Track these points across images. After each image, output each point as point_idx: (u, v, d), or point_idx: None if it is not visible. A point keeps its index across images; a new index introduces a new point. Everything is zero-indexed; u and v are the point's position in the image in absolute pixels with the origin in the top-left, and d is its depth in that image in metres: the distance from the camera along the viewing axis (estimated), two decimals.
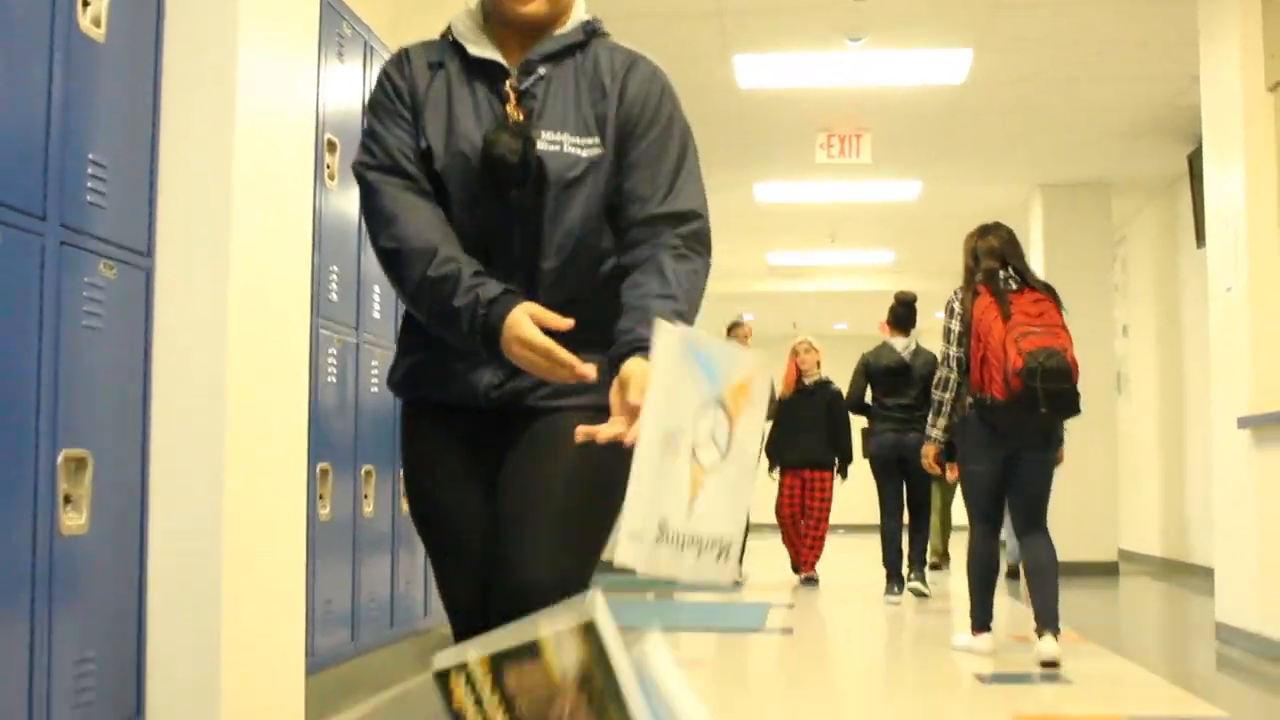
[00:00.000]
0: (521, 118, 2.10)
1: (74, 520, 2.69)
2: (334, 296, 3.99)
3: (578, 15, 2.18)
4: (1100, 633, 6.73)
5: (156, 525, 2.98)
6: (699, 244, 2.09)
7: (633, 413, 1.79)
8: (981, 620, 5.58)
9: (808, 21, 7.12)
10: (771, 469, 9.31)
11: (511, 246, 2.08)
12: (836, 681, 5.51)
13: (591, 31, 2.19)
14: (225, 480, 3.03)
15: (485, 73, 2.14)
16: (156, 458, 2.97)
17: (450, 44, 2.17)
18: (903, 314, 8.55)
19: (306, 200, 3.57)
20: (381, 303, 4.43)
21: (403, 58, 2.18)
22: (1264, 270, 5.64)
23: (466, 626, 2.01)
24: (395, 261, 2.04)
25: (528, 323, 1.93)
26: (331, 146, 3.95)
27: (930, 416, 5.58)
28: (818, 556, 9.41)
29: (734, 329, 9.55)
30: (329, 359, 3.94)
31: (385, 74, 2.18)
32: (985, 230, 5.60)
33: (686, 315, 1.96)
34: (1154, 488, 11.89)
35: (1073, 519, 11.03)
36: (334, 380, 3.99)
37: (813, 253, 14.41)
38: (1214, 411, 6.27)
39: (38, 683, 2.56)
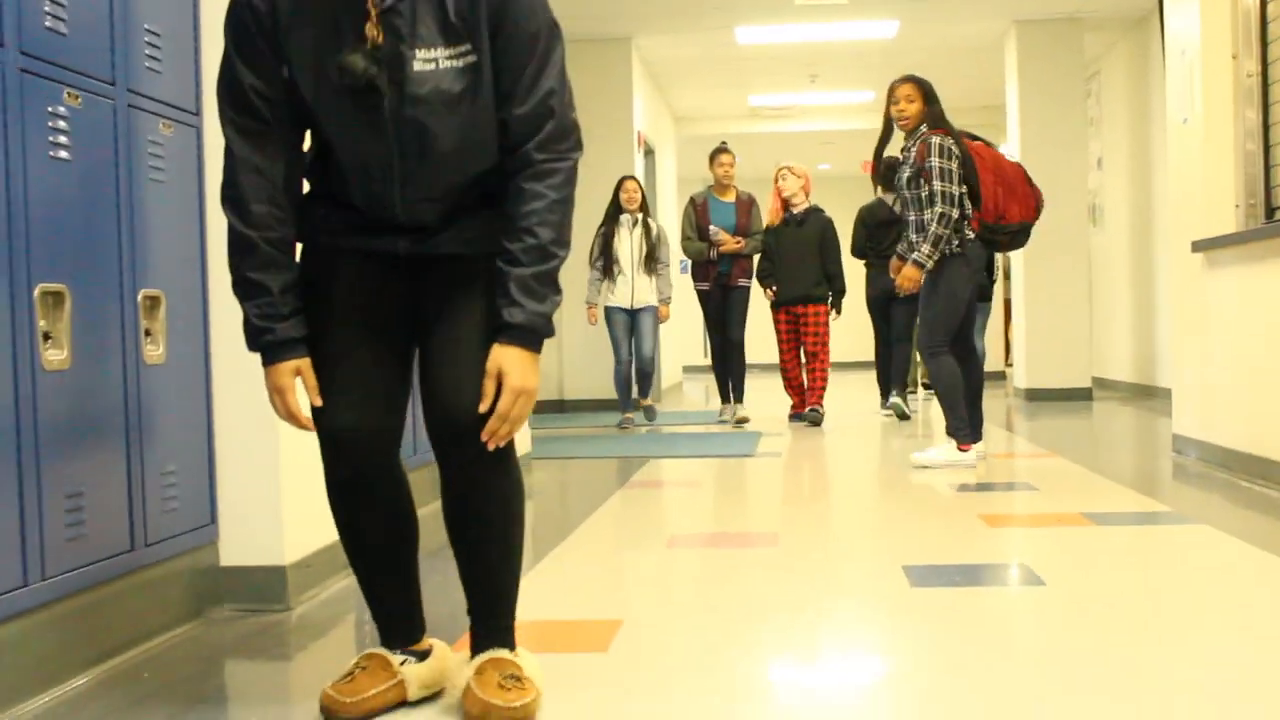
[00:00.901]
0: (381, 39, 2.17)
1: (154, 352, 3.07)
2: None
3: None
4: (1067, 448, 7.22)
5: (219, 354, 3.36)
6: (559, 144, 2.28)
7: (501, 417, 2.22)
8: (975, 433, 6.20)
9: None
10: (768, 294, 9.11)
11: (392, 170, 2.27)
12: (819, 494, 5.97)
13: None
14: None
15: None
16: (214, 294, 3.34)
17: None
18: (889, 175, 8.90)
19: None
20: None
21: None
22: (1217, 103, 5.97)
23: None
24: (230, 229, 2.31)
25: (289, 381, 2.28)
26: None
27: (927, 248, 5.89)
28: (820, 395, 9.00)
29: (717, 155, 9.19)
30: None
31: (246, 2, 2.24)
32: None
33: (551, 246, 2.26)
34: (1126, 316, 12.32)
35: (1048, 348, 11.51)
36: None
37: (794, 94, 14.63)
38: (1170, 237, 6.65)
39: (135, 492, 2.97)
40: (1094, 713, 2.37)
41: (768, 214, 9.14)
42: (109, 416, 2.88)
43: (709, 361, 10.21)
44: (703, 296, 9.18)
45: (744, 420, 9.17)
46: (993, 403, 11.79)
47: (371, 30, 2.16)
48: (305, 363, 2.30)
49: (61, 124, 2.70)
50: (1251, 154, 5.82)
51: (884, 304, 9.35)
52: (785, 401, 9.64)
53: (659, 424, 9.50)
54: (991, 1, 10.67)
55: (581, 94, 12.52)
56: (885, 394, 9.74)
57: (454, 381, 2.28)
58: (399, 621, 2.49)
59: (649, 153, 13.07)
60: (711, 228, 8.98)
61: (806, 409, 9.05)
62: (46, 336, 2.63)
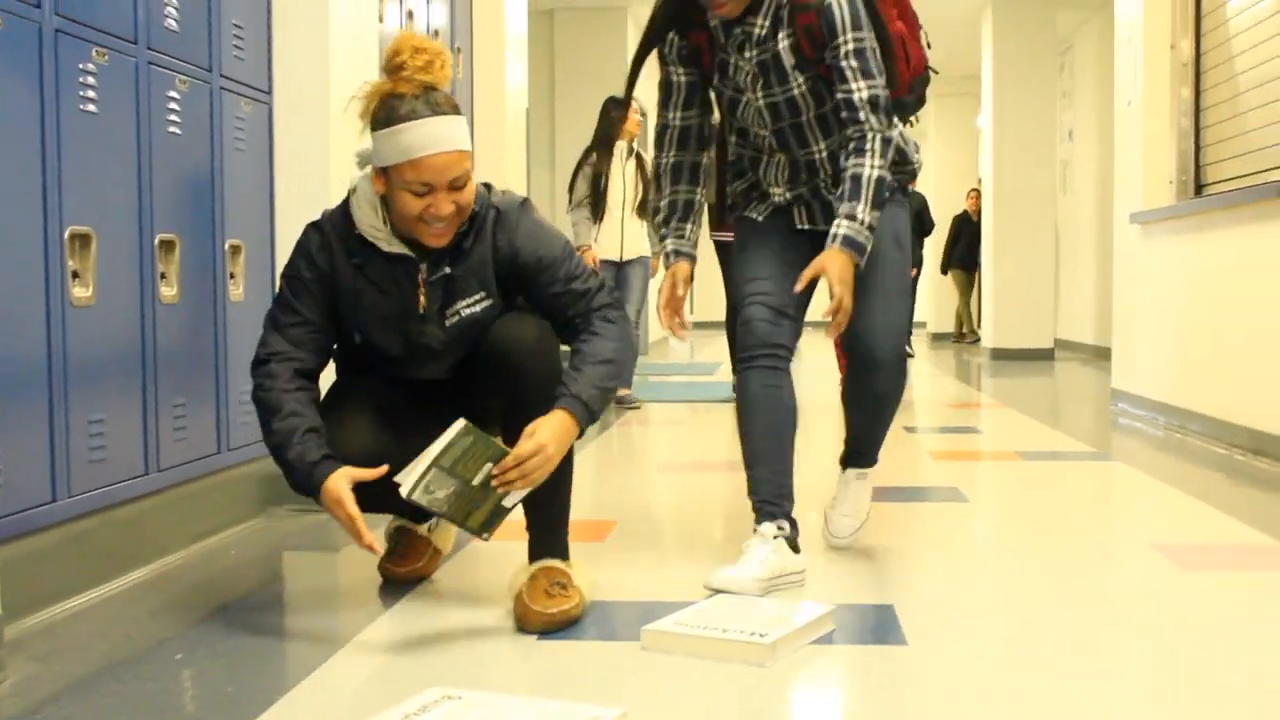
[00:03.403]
0: (430, 305, 2.68)
1: (235, 291, 3.72)
2: None
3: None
4: (1019, 401, 7.92)
5: None
6: (600, 303, 2.71)
7: (518, 458, 2.47)
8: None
9: None
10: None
11: (431, 368, 2.78)
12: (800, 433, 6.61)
13: (484, 208, 2.69)
14: None
15: (398, 264, 2.67)
16: (281, 244, 3.98)
17: (360, 237, 2.66)
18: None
19: (374, 58, 4.49)
20: None
21: (324, 240, 2.69)
22: (1156, 88, 6.62)
23: None
24: (258, 411, 2.65)
25: (344, 489, 2.48)
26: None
27: (865, 207, 6.37)
28: None
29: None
30: None
31: (309, 253, 2.69)
32: None
33: (615, 370, 2.65)
34: (1089, 280, 12.98)
35: (1014, 309, 12.20)
36: None
37: None
38: (1115, 210, 7.32)
39: (220, 407, 3.63)
40: (980, 594, 3.06)
41: None
42: (204, 344, 3.54)
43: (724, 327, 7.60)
44: (724, 250, 6.53)
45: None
46: (959, 361, 12.47)
47: (422, 297, 2.69)
48: (354, 472, 2.53)
49: (174, 105, 3.34)
50: (1185, 132, 6.47)
51: None
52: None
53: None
54: None
55: (579, 62, 13.15)
56: None
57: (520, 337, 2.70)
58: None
59: (643, 115, 13.66)
60: None
61: None
62: (163, 276, 3.28)
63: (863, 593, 2.92)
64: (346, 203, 2.73)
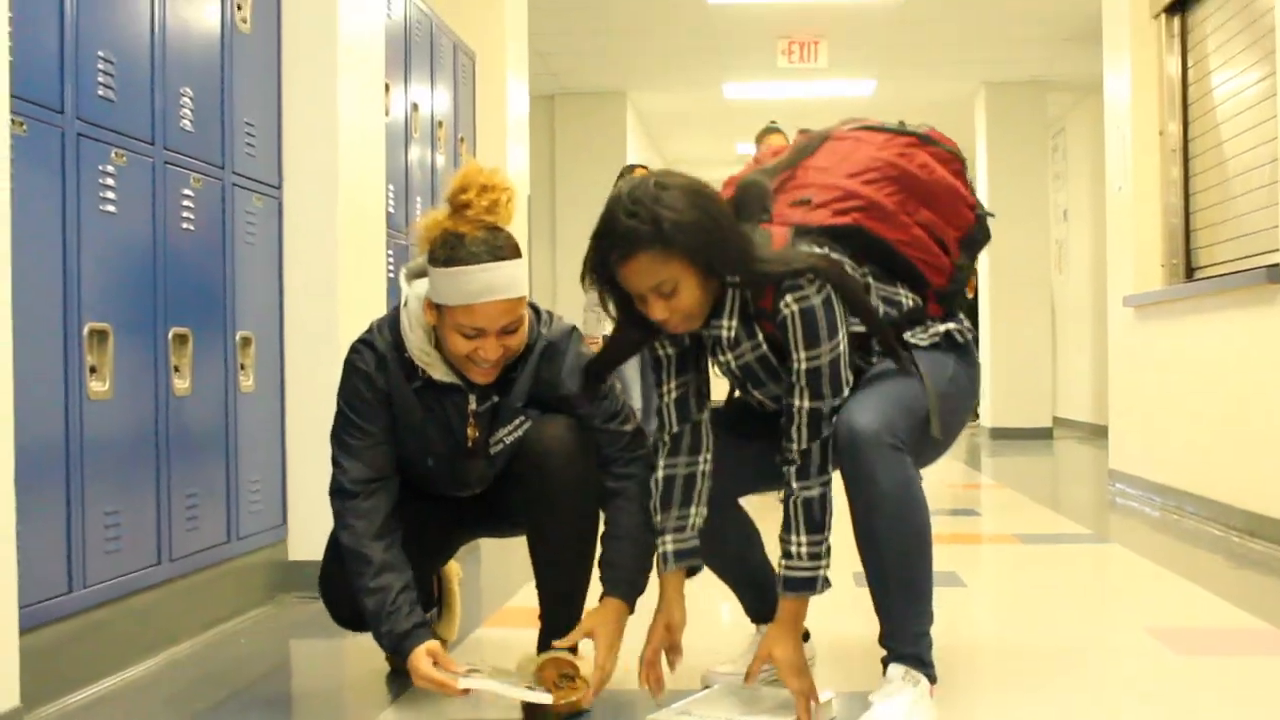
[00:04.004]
0: (478, 438, 2.73)
1: (246, 382, 3.80)
2: (391, 209, 5.05)
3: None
4: (1017, 482, 7.98)
5: (292, 384, 4.08)
6: (635, 446, 2.77)
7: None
8: None
9: None
10: None
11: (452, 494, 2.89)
12: None
13: (533, 337, 2.70)
14: (339, 343, 3.95)
15: (449, 393, 2.69)
16: (290, 335, 4.06)
17: (413, 363, 2.67)
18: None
19: (380, 150, 4.59)
20: (422, 210, 5.47)
21: (380, 360, 2.69)
22: (1145, 175, 6.75)
23: None
24: (346, 558, 2.67)
25: (426, 663, 2.55)
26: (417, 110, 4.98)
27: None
28: None
29: (765, 137, 7.62)
30: (388, 256, 5.02)
31: (367, 375, 2.69)
32: None
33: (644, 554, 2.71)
34: (1086, 359, 13.06)
35: (1012, 389, 12.29)
36: (391, 274, 5.06)
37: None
38: (1109, 292, 7.42)
39: (230, 497, 3.69)
40: (981, 675, 3.12)
41: None
42: (216, 438, 3.62)
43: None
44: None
45: None
46: (959, 442, 12.51)
47: (471, 431, 2.73)
48: (434, 645, 2.61)
49: (188, 202, 3.44)
50: (1174, 216, 6.58)
51: None
52: None
53: None
54: (961, 65, 11.44)
55: (579, 143, 13.27)
56: None
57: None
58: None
59: None
60: None
61: None
62: (176, 369, 3.36)
63: (861, 679, 2.97)
64: (395, 319, 2.70)
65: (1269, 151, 5.42)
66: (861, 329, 2.59)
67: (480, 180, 2.55)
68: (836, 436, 2.52)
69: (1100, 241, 12.59)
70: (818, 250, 2.54)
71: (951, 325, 2.72)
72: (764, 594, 2.85)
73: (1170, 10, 6.56)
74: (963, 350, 2.73)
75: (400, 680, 3.01)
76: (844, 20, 9.62)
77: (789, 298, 2.47)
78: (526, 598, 2.70)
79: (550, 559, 2.77)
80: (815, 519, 2.52)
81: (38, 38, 2.78)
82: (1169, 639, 3.36)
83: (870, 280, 2.64)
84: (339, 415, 2.73)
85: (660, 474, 2.69)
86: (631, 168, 7.29)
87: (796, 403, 2.52)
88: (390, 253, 4.95)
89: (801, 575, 2.52)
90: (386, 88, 4.72)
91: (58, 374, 2.84)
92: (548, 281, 12.12)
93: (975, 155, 13.08)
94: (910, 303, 2.68)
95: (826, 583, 2.55)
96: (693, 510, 2.68)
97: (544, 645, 2.77)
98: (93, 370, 2.96)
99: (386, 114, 4.72)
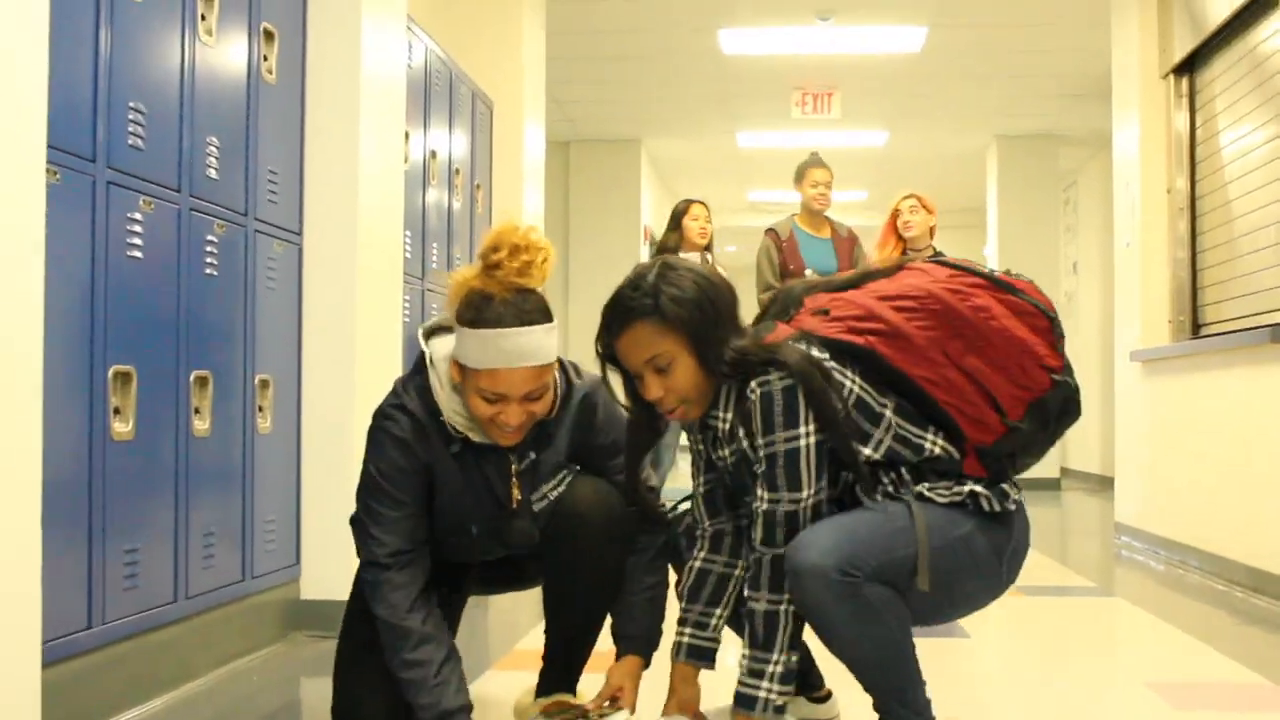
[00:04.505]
0: (523, 498, 2.63)
1: (264, 424, 3.87)
2: (408, 254, 5.14)
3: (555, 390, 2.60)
4: None
5: (308, 426, 4.15)
6: (650, 524, 2.72)
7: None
8: None
9: (783, 4, 8.22)
10: None
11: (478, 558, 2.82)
12: None
13: (564, 398, 2.64)
14: (356, 387, 4.15)
15: (488, 455, 2.59)
16: (308, 378, 4.14)
17: (448, 426, 2.55)
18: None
19: (399, 197, 4.68)
20: (438, 255, 5.56)
21: (417, 425, 2.56)
22: (1153, 232, 6.82)
23: None
24: (382, 631, 2.53)
25: None
26: (434, 156, 5.08)
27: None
28: None
29: (807, 171, 7.23)
30: (404, 301, 5.10)
31: (403, 442, 2.55)
32: None
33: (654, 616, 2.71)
34: (1094, 410, 13.10)
35: None
36: (408, 319, 5.14)
37: (791, 191, 15.44)
38: (1115, 347, 7.48)
39: (246, 535, 3.76)
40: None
41: (873, 252, 6.73)
42: (232, 478, 3.69)
43: None
44: None
45: None
46: None
47: (515, 492, 2.63)
48: None
49: (211, 248, 3.53)
50: (1182, 272, 6.64)
51: None
52: None
53: None
54: (973, 119, 11.56)
55: (594, 190, 13.46)
56: None
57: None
58: None
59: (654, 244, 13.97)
60: (808, 271, 6.40)
61: None
62: (196, 411, 3.44)
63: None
64: (421, 381, 2.59)
65: (1277, 211, 5.49)
66: (878, 457, 2.42)
67: (513, 240, 2.48)
68: (786, 563, 2.35)
69: (1109, 295, 12.67)
70: (805, 349, 2.41)
71: (981, 489, 2.44)
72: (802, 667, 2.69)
73: (1179, 71, 6.65)
74: (990, 518, 2.45)
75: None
76: (857, 72, 9.73)
77: (753, 383, 2.38)
78: (535, 640, 2.74)
79: (569, 618, 2.76)
80: (757, 634, 2.38)
81: (73, 87, 2.87)
82: (1168, 694, 3.40)
83: (890, 415, 2.43)
84: (370, 484, 2.57)
85: (697, 564, 2.61)
86: (689, 203, 7.22)
87: (754, 501, 2.42)
88: (407, 298, 5.03)
89: (742, 690, 2.39)
90: (406, 135, 4.82)
91: (83, 415, 2.92)
92: (560, 326, 12.21)
93: (987, 206, 13.17)
94: (938, 451, 2.44)
95: (777, 710, 2.36)
96: (718, 611, 2.58)
97: (545, 688, 2.78)
98: (116, 411, 3.04)
99: (405, 161, 4.82)
